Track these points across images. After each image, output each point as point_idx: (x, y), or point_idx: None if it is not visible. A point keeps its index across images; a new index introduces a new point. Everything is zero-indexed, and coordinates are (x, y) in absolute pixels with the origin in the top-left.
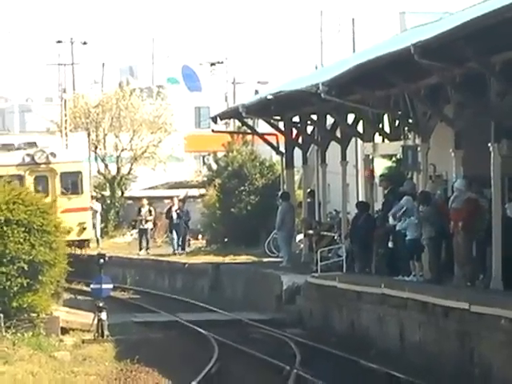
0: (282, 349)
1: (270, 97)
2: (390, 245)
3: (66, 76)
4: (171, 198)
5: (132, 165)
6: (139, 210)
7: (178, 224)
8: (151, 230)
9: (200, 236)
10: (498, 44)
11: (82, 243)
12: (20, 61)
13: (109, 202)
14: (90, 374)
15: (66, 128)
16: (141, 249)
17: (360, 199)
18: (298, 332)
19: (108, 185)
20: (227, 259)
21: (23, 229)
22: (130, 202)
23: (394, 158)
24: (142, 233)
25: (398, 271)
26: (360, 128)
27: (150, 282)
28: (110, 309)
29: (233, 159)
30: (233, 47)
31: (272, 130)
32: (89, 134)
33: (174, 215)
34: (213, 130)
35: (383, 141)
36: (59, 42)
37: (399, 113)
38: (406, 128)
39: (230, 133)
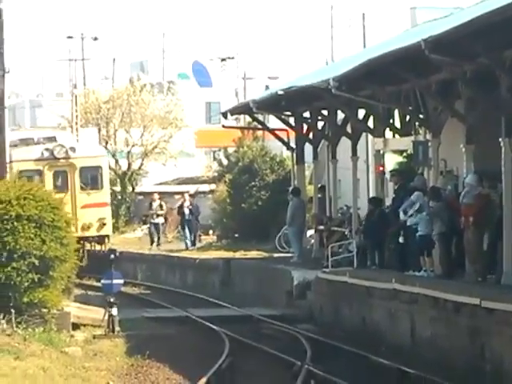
0: (292, 344)
1: (280, 92)
2: (401, 240)
3: (77, 71)
4: (182, 193)
5: (143, 160)
6: (150, 205)
7: (190, 220)
8: (162, 224)
9: (211, 231)
10: (509, 39)
11: (102, 239)
12: (31, 56)
13: (119, 197)
14: (101, 370)
15: (76, 123)
16: (152, 243)
17: (371, 195)
18: (308, 327)
19: (119, 180)
20: (238, 255)
21: (34, 224)
22: (140, 197)
23: (404, 154)
24: (153, 227)
25: (408, 267)
26: (371, 123)
27: (160, 278)
28: (121, 304)
29: (243, 155)
30: (243, 42)
31: (282, 126)
32: (99, 130)
33: (186, 211)
34: (223, 126)
35: (394, 136)
36: (70, 37)
37: (410, 108)
38: (417, 123)
39: (240, 128)
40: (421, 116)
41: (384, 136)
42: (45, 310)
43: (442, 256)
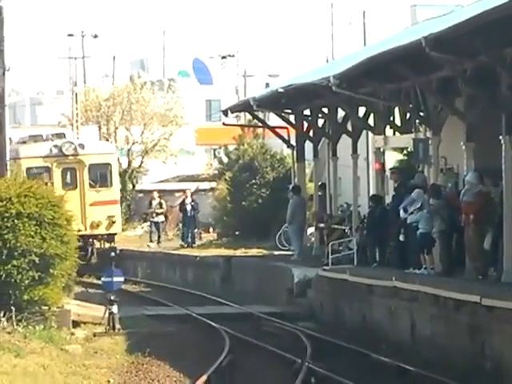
0: (293, 342)
1: (280, 90)
2: (401, 238)
3: (77, 69)
4: (184, 190)
5: (143, 158)
6: (150, 203)
7: (193, 216)
8: (162, 222)
9: (211, 229)
10: (509, 37)
11: (112, 237)
12: (31, 54)
13: (120, 195)
14: (101, 367)
15: (76, 121)
16: (151, 241)
17: (371, 192)
18: (309, 325)
19: (119, 178)
20: (238, 252)
21: (34, 222)
22: (140, 195)
23: (405, 151)
24: (153, 226)
25: (408, 264)
26: (371, 121)
27: (161, 275)
28: (122, 302)
29: (244, 152)
30: (244, 40)
31: (283, 123)
32: (100, 128)
33: (189, 207)
34: (224, 123)
35: (394, 134)
36: (70, 35)
37: (410, 106)
38: (417, 121)
39: (240, 126)
40: (421, 114)
41: (384, 134)
42: (45, 308)
43: (443, 254)
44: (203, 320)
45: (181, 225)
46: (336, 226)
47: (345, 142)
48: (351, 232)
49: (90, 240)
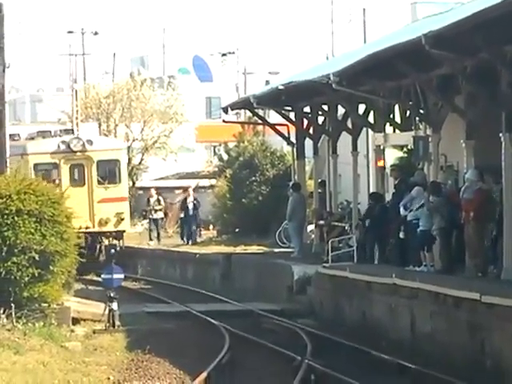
0: (293, 339)
1: (281, 87)
2: (401, 235)
3: (77, 66)
4: (185, 189)
5: (143, 155)
6: (148, 201)
7: (195, 215)
8: (162, 219)
9: (211, 226)
10: (510, 34)
11: (120, 234)
12: (31, 51)
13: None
14: (101, 364)
15: (76, 118)
16: (151, 239)
17: (371, 190)
18: (308, 322)
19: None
20: (238, 249)
21: (34, 219)
22: (140, 192)
23: (405, 149)
24: (153, 223)
25: (408, 261)
26: (371, 118)
27: (161, 273)
28: (121, 299)
29: (244, 150)
30: (244, 37)
31: (283, 121)
32: (100, 125)
33: (191, 205)
34: (224, 121)
35: (394, 131)
36: (70, 32)
37: (410, 103)
38: (417, 118)
39: (241, 123)
40: (421, 111)
41: (384, 131)
42: (45, 305)
43: (442, 251)
44: (203, 317)
45: (181, 222)
46: (336, 224)
47: (345, 139)
48: (351, 229)
49: (99, 237)
